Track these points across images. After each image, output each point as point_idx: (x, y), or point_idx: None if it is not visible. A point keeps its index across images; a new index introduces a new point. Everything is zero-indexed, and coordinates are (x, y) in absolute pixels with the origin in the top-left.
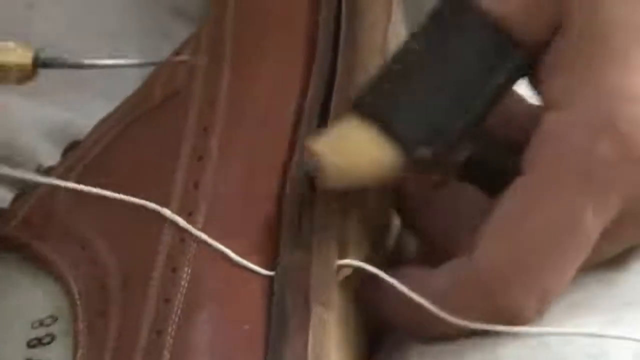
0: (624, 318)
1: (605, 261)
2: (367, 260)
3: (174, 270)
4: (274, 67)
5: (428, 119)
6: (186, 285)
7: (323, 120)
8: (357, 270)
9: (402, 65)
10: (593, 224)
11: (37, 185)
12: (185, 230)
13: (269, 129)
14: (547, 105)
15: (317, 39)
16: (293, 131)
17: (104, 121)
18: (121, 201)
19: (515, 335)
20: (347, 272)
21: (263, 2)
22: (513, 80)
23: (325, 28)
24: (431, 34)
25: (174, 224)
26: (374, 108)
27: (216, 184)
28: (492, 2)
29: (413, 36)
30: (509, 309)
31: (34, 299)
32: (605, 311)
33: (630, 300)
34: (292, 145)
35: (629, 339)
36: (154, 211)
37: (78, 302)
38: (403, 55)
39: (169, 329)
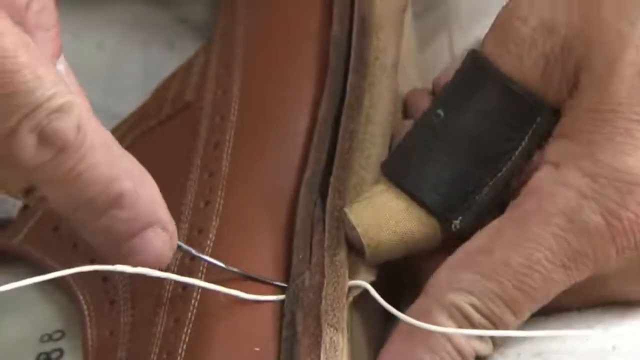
0: None
1: None
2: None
3: (184, 288)
4: (285, 84)
5: (459, 189)
6: (196, 304)
7: (334, 137)
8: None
9: (427, 133)
10: (558, 278)
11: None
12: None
13: (281, 146)
14: (545, 160)
15: (329, 55)
16: (305, 148)
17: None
18: None
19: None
20: (356, 293)
21: (273, 17)
22: (538, 141)
23: (337, 44)
24: (454, 100)
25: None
26: (404, 178)
27: (227, 202)
28: (511, 68)
29: (436, 103)
30: None
31: (42, 312)
32: None
33: None
34: (304, 162)
35: None
36: None
37: (87, 318)
38: (428, 123)
39: (179, 350)
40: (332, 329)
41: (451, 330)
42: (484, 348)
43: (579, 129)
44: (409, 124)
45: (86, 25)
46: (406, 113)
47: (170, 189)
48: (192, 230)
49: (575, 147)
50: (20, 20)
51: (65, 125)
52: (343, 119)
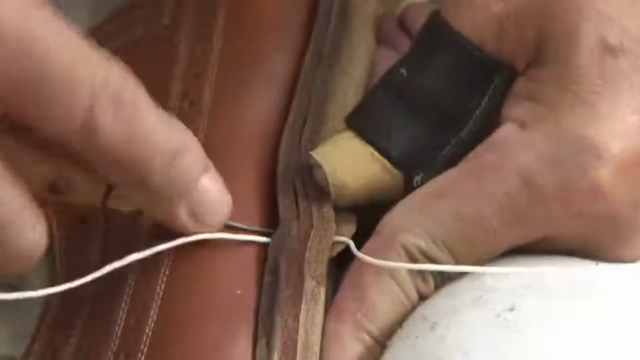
0: None
1: None
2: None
3: None
4: (273, 24)
5: (421, 147)
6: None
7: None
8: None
9: (391, 91)
10: (503, 237)
11: None
12: None
13: (266, 86)
14: (510, 118)
15: (319, 1)
16: (290, 93)
17: None
18: None
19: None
20: (340, 248)
21: None
22: (498, 101)
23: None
24: (416, 59)
25: None
26: (368, 131)
27: (209, 133)
28: (467, 29)
29: (399, 61)
30: None
31: None
32: None
33: None
34: (288, 107)
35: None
36: None
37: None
38: (392, 80)
39: (158, 283)
40: (314, 282)
41: (396, 264)
42: (426, 288)
43: (546, 95)
44: (384, 52)
45: None
46: (379, 39)
47: None
48: None
49: (542, 110)
50: None
51: None
52: (320, 67)
